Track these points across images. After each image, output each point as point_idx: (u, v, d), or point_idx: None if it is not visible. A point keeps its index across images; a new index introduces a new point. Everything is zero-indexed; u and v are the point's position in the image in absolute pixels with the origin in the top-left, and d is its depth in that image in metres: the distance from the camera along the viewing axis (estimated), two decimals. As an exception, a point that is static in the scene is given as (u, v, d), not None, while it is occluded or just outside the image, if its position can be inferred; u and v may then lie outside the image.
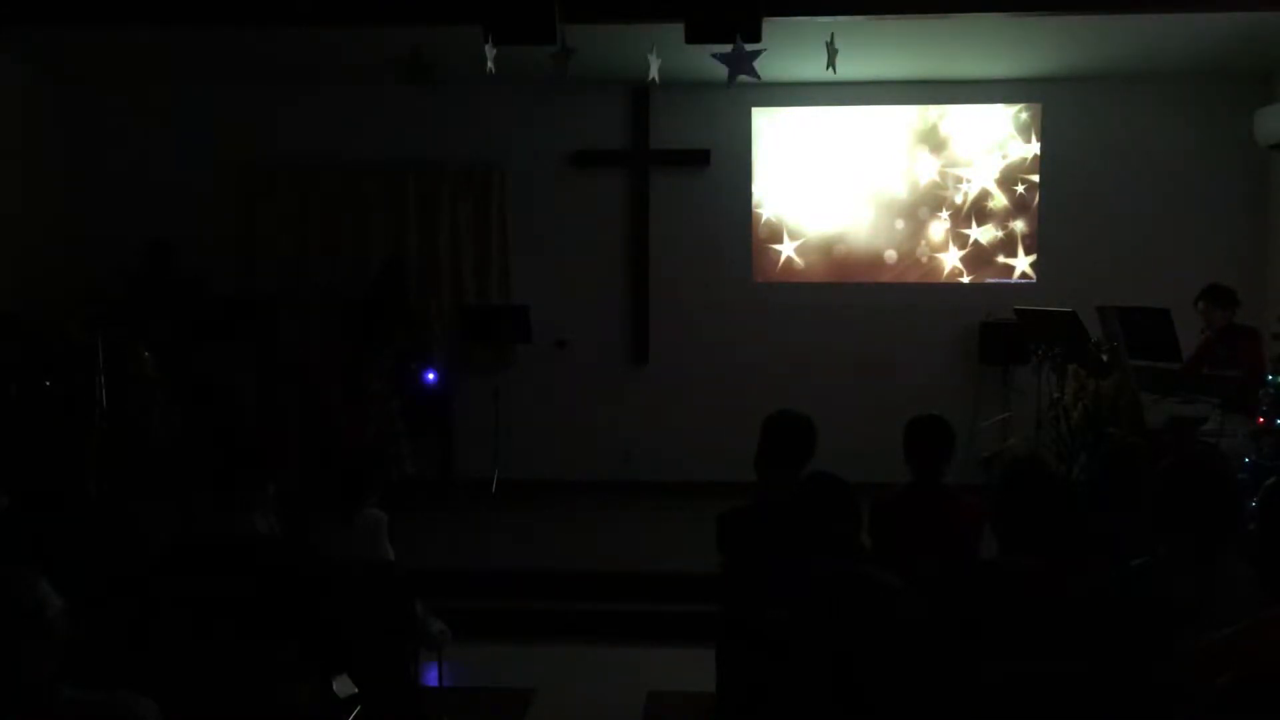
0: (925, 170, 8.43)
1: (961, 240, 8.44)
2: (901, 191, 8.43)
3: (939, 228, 8.44)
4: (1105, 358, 6.79)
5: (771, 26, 5.75)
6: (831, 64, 6.12)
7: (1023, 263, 8.43)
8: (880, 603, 2.30)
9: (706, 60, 5.84)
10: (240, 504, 3.84)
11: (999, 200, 8.42)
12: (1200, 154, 8.18)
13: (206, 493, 3.94)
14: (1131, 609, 2.97)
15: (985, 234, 8.43)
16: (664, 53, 6.11)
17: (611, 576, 6.33)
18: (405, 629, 4.28)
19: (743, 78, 5.85)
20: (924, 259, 8.46)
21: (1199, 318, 6.76)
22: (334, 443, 7.37)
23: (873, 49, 7.37)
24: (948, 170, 8.42)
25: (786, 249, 8.50)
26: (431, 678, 4.86)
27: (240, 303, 8.12)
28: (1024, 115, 8.37)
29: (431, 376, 8.16)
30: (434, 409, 8.20)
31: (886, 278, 8.47)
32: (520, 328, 8.16)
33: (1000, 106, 8.37)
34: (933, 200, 8.43)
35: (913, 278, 8.46)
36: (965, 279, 8.44)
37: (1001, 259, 8.44)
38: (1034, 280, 8.39)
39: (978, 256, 8.44)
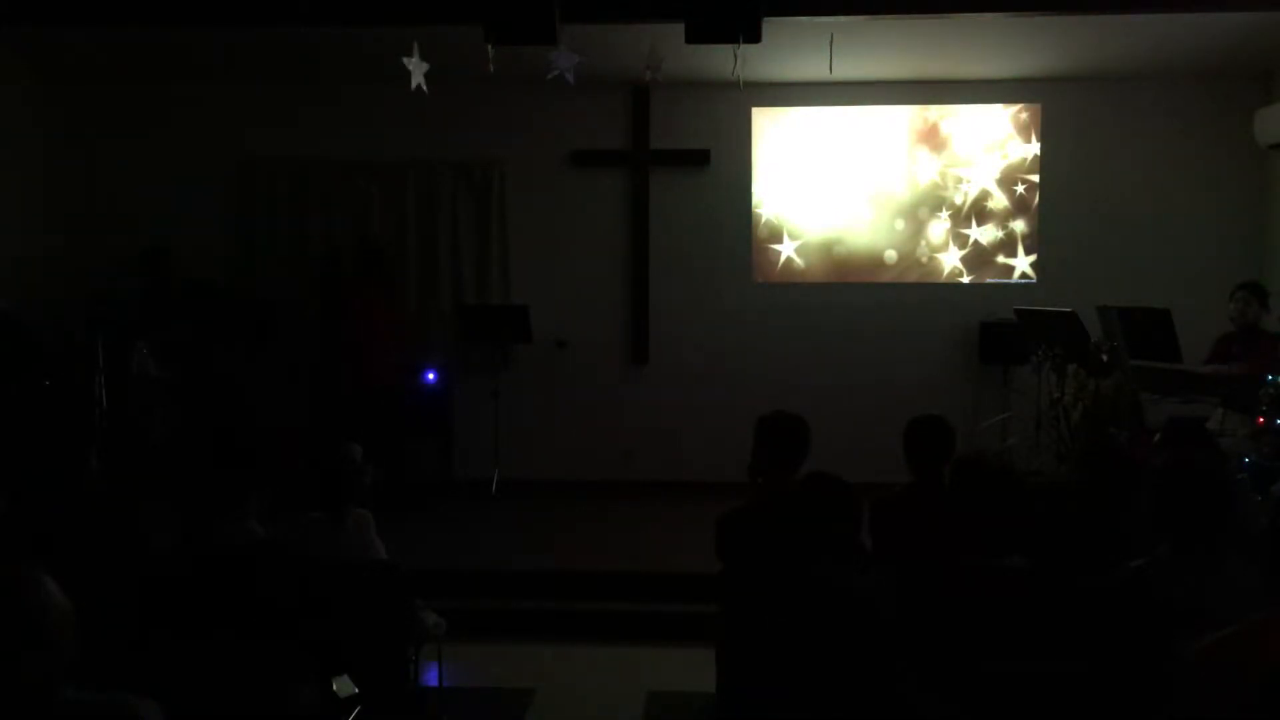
0: (925, 170, 8.42)
1: (961, 240, 8.43)
2: (901, 191, 8.42)
3: (939, 228, 8.43)
4: (1105, 358, 6.79)
5: (771, 26, 5.74)
6: (831, 64, 6.14)
7: (1023, 263, 8.42)
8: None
9: (707, 60, 5.85)
10: (237, 505, 3.84)
11: (999, 200, 8.42)
12: (1200, 154, 8.17)
13: (204, 494, 3.94)
14: (1131, 609, 2.97)
15: (985, 234, 8.43)
16: (664, 53, 6.11)
17: (612, 576, 6.34)
18: (404, 626, 4.29)
19: (745, 78, 5.85)
20: (924, 259, 8.45)
21: (1232, 307, 6.63)
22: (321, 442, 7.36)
23: (873, 49, 7.37)
24: (948, 170, 8.42)
25: (786, 249, 8.49)
26: (431, 678, 4.87)
27: (239, 302, 8.11)
28: (1024, 115, 8.36)
29: (431, 376, 8.16)
30: (434, 409, 8.19)
31: (886, 278, 8.46)
32: (520, 328, 8.16)
33: (1000, 106, 8.36)
34: (933, 200, 8.42)
35: (913, 278, 8.46)
36: (965, 279, 8.44)
37: (1001, 259, 8.43)
38: (1034, 280, 8.38)
39: (978, 256, 8.44)
